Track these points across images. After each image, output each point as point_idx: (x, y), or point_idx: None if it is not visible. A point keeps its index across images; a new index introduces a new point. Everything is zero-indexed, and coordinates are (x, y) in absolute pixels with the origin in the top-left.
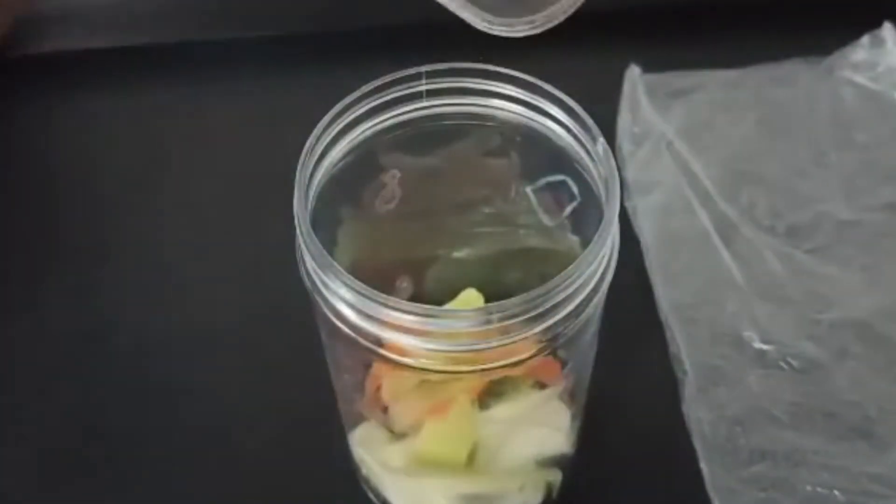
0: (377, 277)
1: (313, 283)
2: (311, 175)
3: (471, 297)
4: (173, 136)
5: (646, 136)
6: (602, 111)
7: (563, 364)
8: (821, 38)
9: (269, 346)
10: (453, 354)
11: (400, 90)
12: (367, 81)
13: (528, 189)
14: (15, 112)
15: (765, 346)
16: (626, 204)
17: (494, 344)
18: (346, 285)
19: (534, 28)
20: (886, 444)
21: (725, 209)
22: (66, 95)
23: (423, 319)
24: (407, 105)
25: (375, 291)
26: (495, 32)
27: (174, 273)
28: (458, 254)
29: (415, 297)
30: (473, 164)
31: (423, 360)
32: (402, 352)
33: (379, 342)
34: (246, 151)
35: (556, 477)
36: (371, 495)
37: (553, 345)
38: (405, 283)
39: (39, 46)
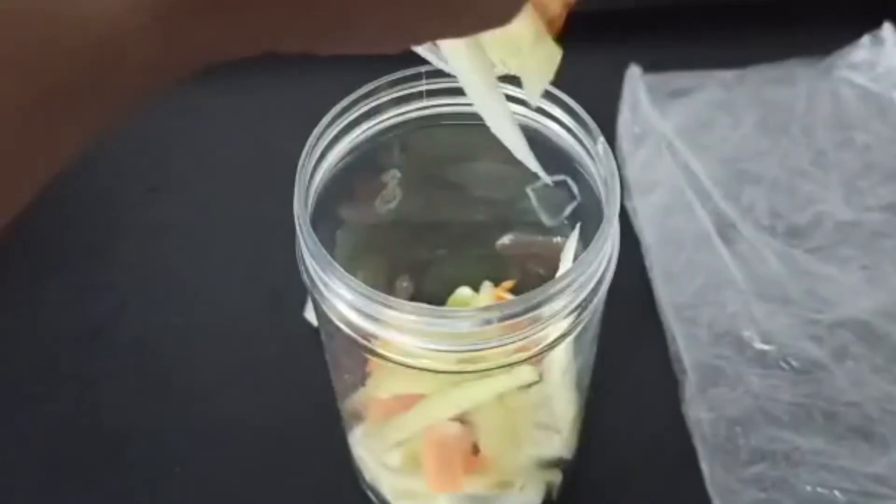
0: (377, 277)
1: (313, 283)
2: (311, 175)
3: (464, 296)
4: (173, 137)
5: (646, 136)
6: (602, 111)
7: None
8: (821, 38)
9: (270, 345)
10: (453, 354)
11: (400, 90)
12: (367, 81)
13: (528, 189)
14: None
15: (765, 346)
16: (626, 204)
17: (494, 344)
18: (346, 285)
19: None
20: (886, 445)
21: (725, 209)
22: None
23: (423, 319)
24: (407, 105)
25: (375, 291)
26: None
27: (174, 273)
28: (458, 254)
29: (415, 297)
30: (473, 164)
31: (423, 360)
32: (402, 352)
33: (379, 342)
34: (246, 151)
35: (556, 477)
36: (371, 495)
37: (553, 345)
38: (405, 283)
39: None
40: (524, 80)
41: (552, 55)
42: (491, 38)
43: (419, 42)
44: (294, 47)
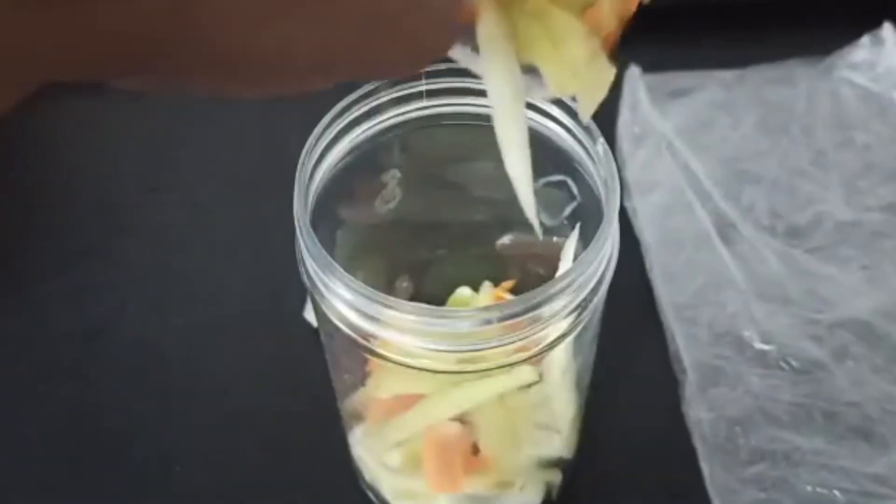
0: (377, 277)
1: (313, 283)
2: (311, 175)
3: (463, 296)
4: (173, 137)
5: (646, 136)
6: (602, 111)
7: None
8: (821, 38)
9: (269, 345)
10: (453, 354)
11: (400, 90)
12: (367, 81)
13: None
14: (15, 113)
15: (765, 346)
16: (626, 204)
17: (494, 344)
18: (346, 285)
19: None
20: (886, 444)
21: (725, 209)
22: (67, 96)
23: (423, 319)
24: (407, 105)
25: (375, 291)
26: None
27: (174, 273)
28: (458, 254)
29: (415, 297)
30: (473, 164)
31: (423, 360)
32: (402, 352)
33: (379, 342)
34: (246, 151)
35: (556, 477)
36: (371, 495)
37: (553, 345)
38: (405, 283)
39: None
40: (579, 99)
41: (605, 73)
42: (549, 61)
43: (329, 82)
44: (175, 86)
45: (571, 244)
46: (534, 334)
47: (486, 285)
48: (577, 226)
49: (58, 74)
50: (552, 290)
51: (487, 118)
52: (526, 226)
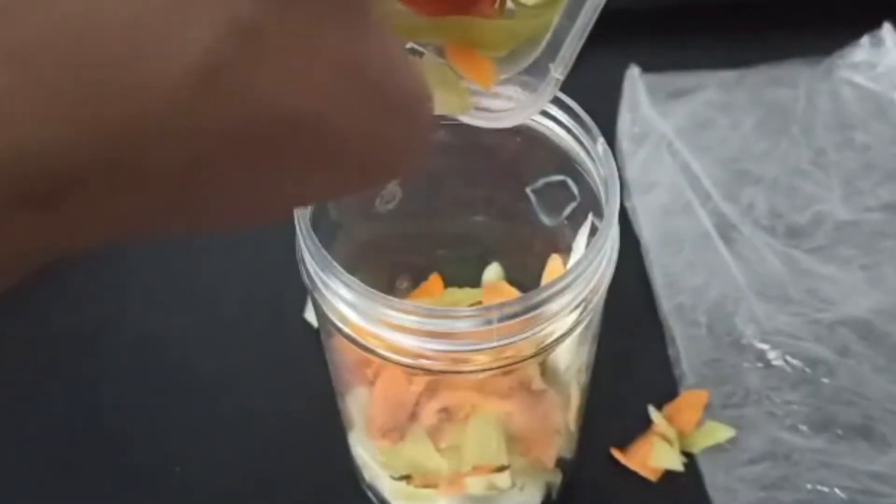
0: (377, 277)
1: (313, 283)
2: None
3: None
4: None
5: (646, 136)
6: (602, 111)
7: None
8: (821, 38)
9: (269, 345)
10: (453, 354)
11: None
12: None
13: (528, 189)
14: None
15: (765, 346)
16: (626, 204)
17: (494, 344)
18: (346, 285)
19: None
20: (887, 443)
21: (725, 209)
22: None
23: (423, 319)
24: None
25: (375, 291)
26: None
27: (174, 273)
28: (458, 254)
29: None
30: (473, 164)
31: (423, 360)
32: (402, 352)
33: (379, 342)
34: None
35: (556, 477)
36: (371, 495)
37: (553, 345)
38: (405, 283)
39: None
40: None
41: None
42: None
43: (305, 204)
44: (147, 235)
45: (584, 233)
46: (534, 334)
47: (494, 265)
48: (590, 214)
49: (60, 254)
50: (552, 290)
51: None
52: (526, 226)
